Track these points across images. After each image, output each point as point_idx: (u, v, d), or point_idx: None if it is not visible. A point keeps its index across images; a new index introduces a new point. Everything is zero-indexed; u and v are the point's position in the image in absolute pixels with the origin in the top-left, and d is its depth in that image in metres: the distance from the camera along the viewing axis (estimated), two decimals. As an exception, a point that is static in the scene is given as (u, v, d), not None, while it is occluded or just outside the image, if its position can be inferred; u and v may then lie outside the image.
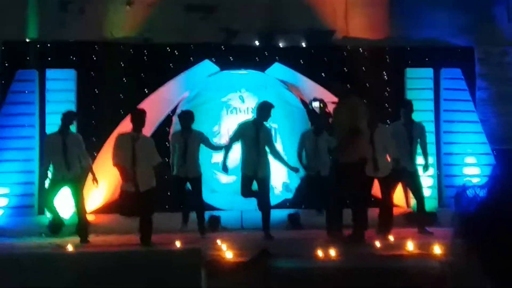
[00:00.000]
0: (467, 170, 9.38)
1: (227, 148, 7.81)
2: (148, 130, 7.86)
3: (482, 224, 1.10)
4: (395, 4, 9.95)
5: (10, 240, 7.57)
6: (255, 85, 9.40)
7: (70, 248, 6.51)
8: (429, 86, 9.60)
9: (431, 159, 9.18)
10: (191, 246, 6.47)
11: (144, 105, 8.25)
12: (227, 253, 5.59)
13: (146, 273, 5.18)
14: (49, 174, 7.64)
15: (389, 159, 7.44)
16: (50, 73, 8.95)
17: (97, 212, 8.60)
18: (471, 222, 1.12)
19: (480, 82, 9.97)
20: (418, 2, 9.84)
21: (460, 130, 9.52)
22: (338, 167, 6.60)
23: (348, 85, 7.08)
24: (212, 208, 8.85)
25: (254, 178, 7.54)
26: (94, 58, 9.12)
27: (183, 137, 7.81)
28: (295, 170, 7.89)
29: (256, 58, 9.54)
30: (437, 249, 5.42)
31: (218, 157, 8.58)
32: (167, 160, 7.97)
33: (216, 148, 8.21)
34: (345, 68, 9.27)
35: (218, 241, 6.61)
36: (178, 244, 6.61)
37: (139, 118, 7.18)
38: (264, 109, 7.56)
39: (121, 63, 9.10)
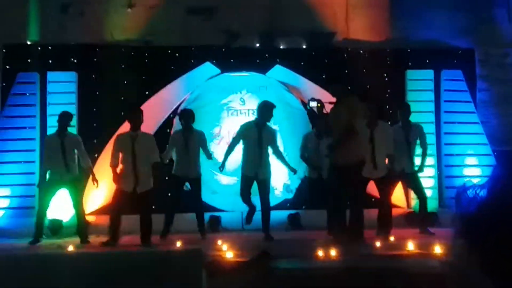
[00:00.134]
0: (468, 171, 9.36)
1: (229, 148, 7.79)
2: (148, 131, 7.85)
3: (482, 225, 1.10)
4: (396, 6, 9.96)
5: (11, 241, 7.57)
6: (256, 87, 9.42)
7: (70, 248, 6.53)
8: (430, 88, 9.60)
9: (432, 160, 9.20)
10: (191, 246, 6.48)
11: (145, 107, 8.23)
12: (228, 253, 5.60)
13: (147, 274, 5.18)
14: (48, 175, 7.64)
15: (387, 161, 7.42)
16: (51, 75, 8.97)
17: (97, 213, 8.60)
18: (472, 222, 1.12)
19: (481, 84, 9.97)
20: (419, 4, 9.86)
21: (461, 131, 9.52)
22: (334, 168, 6.60)
23: (348, 87, 7.07)
24: (212, 209, 8.86)
25: (254, 179, 7.53)
26: (95, 61, 9.12)
27: (183, 137, 7.75)
28: (294, 171, 7.89)
29: (257, 60, 9.55)
30: (437, 249, 5.42)
31: (218, 157, 8.57)
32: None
33: (209, 155, 7.87)
34: (346, 70, 9.27)
35: (219, 242, 6.62)
36: (178, 244, 6.62)
37: (135, 116, 7.16)
38: (265, 109, 7.51)
39: (122, 65, 9.09)
